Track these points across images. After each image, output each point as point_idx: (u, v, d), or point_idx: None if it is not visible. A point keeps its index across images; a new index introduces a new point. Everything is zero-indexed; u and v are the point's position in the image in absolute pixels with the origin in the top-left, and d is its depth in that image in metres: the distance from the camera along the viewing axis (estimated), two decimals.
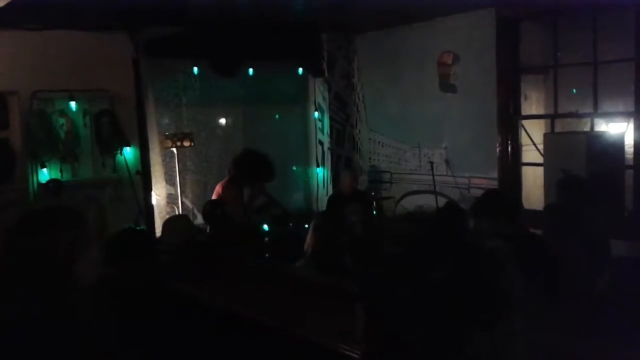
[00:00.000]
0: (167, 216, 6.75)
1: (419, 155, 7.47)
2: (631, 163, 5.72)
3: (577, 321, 2.48)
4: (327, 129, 8.10)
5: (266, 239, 6.11)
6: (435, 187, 7.04)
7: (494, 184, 6.64)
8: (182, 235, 4.64)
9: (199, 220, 6.25)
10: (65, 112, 6.16)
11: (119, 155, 6.45)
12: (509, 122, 6.57)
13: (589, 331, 2.34)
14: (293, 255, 4.47)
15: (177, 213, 6.80)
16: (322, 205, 7.67)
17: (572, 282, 2.87)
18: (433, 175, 7.04)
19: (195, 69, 7.00)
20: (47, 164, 6.04)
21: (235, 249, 4.61)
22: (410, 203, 7.52)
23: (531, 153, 6.65)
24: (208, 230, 5.13)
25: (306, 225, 6.58)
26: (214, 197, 5.61)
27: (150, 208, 6.47)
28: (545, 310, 2.11)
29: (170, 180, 6.87)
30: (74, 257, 1.80)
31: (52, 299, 1.76)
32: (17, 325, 1.72)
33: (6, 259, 1.78)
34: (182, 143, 6.66)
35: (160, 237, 5.09)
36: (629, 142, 5.79)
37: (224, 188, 5.48)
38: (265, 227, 6.50)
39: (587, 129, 6.30)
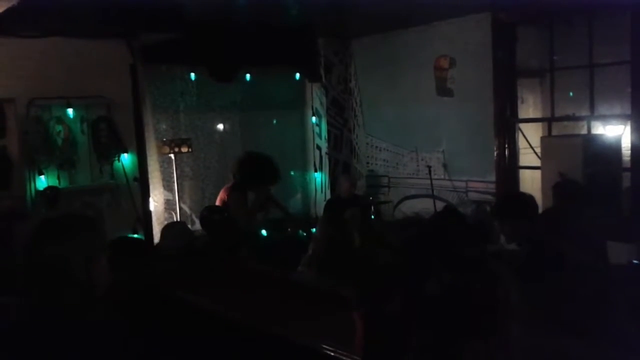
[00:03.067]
0: (166, 222, 6.74)
1: (417, 160, 7.48)
2: (628, 166, 5.73)
3: (576, 323, 2.49)
4: (324, 133, 8.10)
5: (264, 243, 6.11)
6: (433, 191, 7.05)
7: (492, 188, 6.65)
8: (180, 241, 4.64)
9: (197, 226, 6.24)
10: (62, 119, 6.16)
11: (116, 161, 6.44)
12: (506, 126, 6.58)
13: (588, 332, 2.35)
14: (292, 260, 4.47)
15: (175, 219, 6.79)
16: (320, 210, 7.67)
17: (571, 284, 2.88)
18: (431, 179, 7.05)
19: (193, 75, 6.99)
20: (44, 171, 6.03)
21: (234, 254, 4.61)
22: (408, 207, 7.53)
23: (528, 156, 6.66)
24: (206, 237, 5.12)
25: (301, 232, 6.60)
26: (217, 202, 5.60)
27: (148, 214, 6.44)
28: (545, 312, 2.11)
29: (168, 187, 6.86)
30: (90, 263, 1.82)
31: (71, 306, 1.78)
32: (40, 331, 1.74)
33: (26, 267, 1.79)
34: (179, 149, 6.65)
35: (158, 243, 5.09)
36: (625, 144, 5.80)
37: (228, 193, 5.46)
38: (264, 232, 6.50)
39: (584, 132, 6.31)
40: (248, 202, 5.57)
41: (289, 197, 8.03)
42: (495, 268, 1.09)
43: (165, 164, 6.83)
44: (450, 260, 1.10)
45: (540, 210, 5.11)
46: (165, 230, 4.98)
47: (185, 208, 7.06)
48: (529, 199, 3.61)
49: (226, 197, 5.45)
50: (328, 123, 8.08)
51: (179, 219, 6.77)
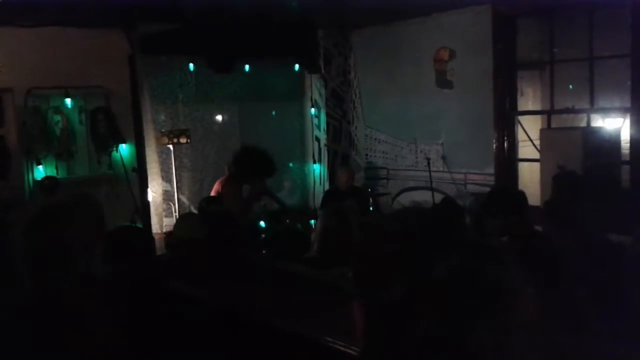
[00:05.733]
0: (164, 213, 6.74)
1: (416, 152, 7.47)
2: (627, 158, 5.73)
3: (575, 317, 2.49)
4: (323, 125, 8.09)
5: (263, 235, 6.11)
6: (431, 184, 7.05)
7: (491, 180, 6.65)
8: (194, 232, 4.62)
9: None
10: (60, 109, 6.14)
11: (114, 152, 6.42)
12: (506, 118, 6.57)
13: (588, 327, 2.35)
14: (291, 252, 4.46)
15: (173, 210, 6.80)
16: (319, 202, 7.67)
17: (571, 277, 2.88)
18: (430, 171, 7.04)
19: (191, 66, 6.97)
20: (42, 161, 6.02)
21: (232, 245, 4.60)
22: (407, 199, 7.53)
23: (527, 149, 6.66)
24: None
25: (299, 225, 6.61)
26: (212, 194, 5.60)
27: (146, 205, 6.45)
28: (545, 306, 2.11)
29: (166, 177, 6.85)
30: (87, 250, 1.82)
31: (66, 292, 1.78)
32: (31, 319, 1.74)
33: (23, 252, 1.79)
34: (178, 140, 6.64)
35: (172, 231, 5.08)
36: (625, 137, 5.80)
37: (223, 185, 5.45)
38: (262, 223, 6.49)
39: (583, 124, 6.31)
40: (243, 195, 5.56)
41: (287, 188, 8.03)
42: (500, 253, 1.09)
43: (163, 155, 6.82)
44: (455, 243, 1.09)
45: (539, 202, 5.13)
46: (180, 220, 4.96)
47: (184, 199, 7.05)
48: (519, 194, 3.61)
49: (221, 189, 5.45)
50: (327, 115, 8.07)
51: (177, 210, 6.77)
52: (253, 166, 5.42)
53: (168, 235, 5.46)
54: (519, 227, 3.29)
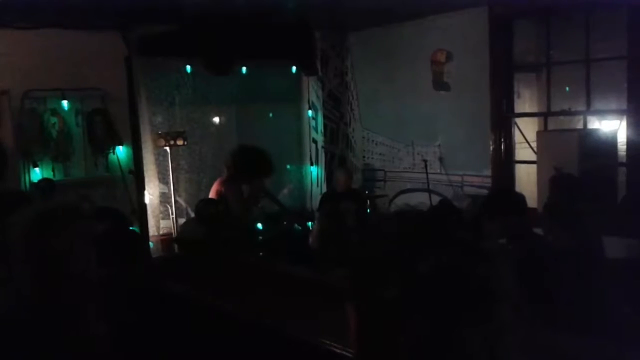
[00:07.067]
0: (161, 215, 6.74)
1: (413, 154, 7.47)
2: (624, 160, 5.74)
3: (572, 319, 2.49)
4: (320, 127, 8.08)
5: (260, 237, 6.11)
6: (428, 185, 7.05)
7: (487, 182, 6.65)
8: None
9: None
10: (57, 111, 6.13)
11: (111, 154, 6.42)
12: (502, 120, 6.58)
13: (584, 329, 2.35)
14: (288, 253, 4.47)
15: (170, 212, 6.79)
16: (316, 203, 7.67)
17: (566, 279, 2.88)
18: (427, 173, 7.04)
19: (188, 68, 6.97)
20: (39, 163, 6.01)
21: (229, 247, 4.61)
22: (404, 201, 7.53)
23: (524, 151, 6.66)
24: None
25: (297, 227, 6.61)
26: (212, 195, 5.60)
27: (143, 207, 6.43)
28: (541, 308, 2.11)
29: (163, 180, 6.85)
30: (84, 252, 1.82)
31: (65, 294, 1.78)
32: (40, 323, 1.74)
33: (21, 255, 1.78)
34: (175, 142, 6.63)
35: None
36: (621, 139, 5.81)
37: (224, 185, 5.45)
38: (259, 225, 6.50)
39: (580, 126, 6.31)
40: (243, 195, 5.57)
41: (284, 190, 8.03)
42: (490, 251, 1.09)
43: (160, 157, 6.81)
44: (445, 242, 1.10)
45: (535, 204, 5.14)
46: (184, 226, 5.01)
47: (181, 201, 7.04)
48: (518, 196, 3.62)
49: (222, 189, 5.45)
50: (324, 116, 8.07)
51: (174, 212, 6.76)
52: (250, 165, 5.43)
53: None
54: (517, 229, 3.29)
